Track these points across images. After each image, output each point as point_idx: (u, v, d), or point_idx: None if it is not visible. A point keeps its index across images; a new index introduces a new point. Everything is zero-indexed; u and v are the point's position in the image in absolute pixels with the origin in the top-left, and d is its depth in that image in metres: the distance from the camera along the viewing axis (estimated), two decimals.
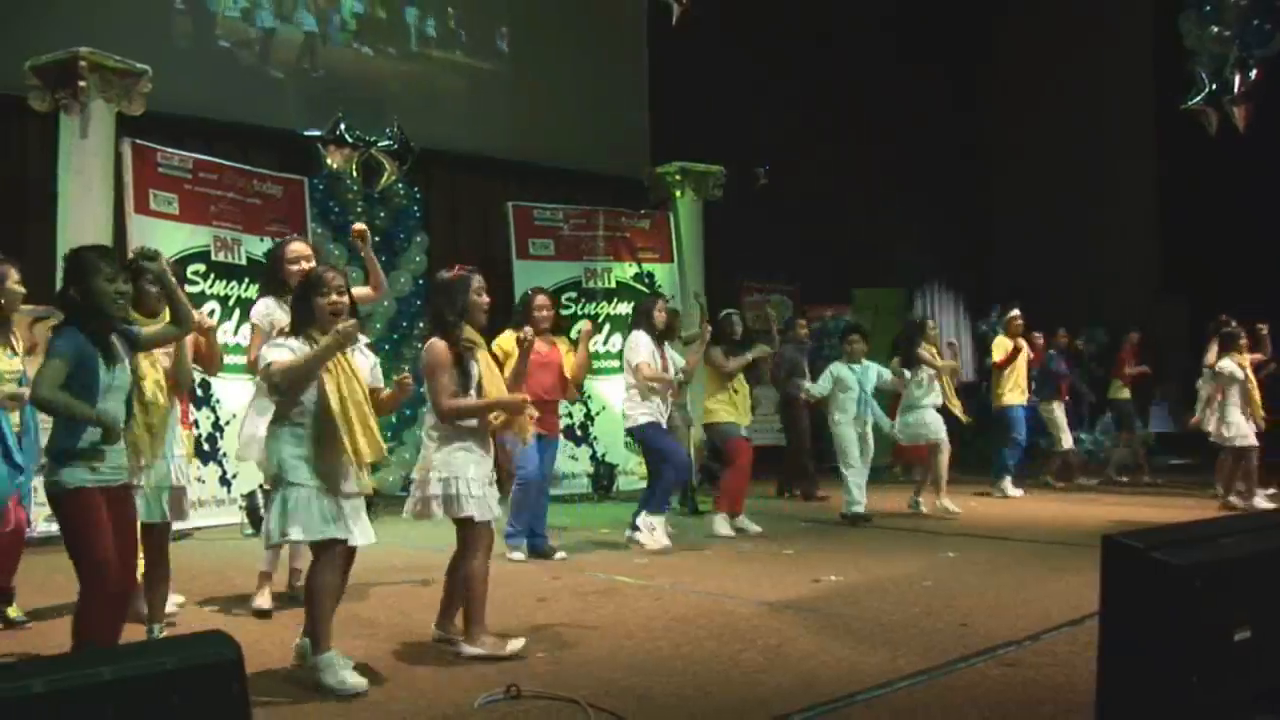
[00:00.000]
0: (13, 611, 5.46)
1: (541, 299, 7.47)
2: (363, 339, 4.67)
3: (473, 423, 4.92)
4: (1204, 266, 14.01)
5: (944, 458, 9.68)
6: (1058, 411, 11.66)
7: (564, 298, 11.58)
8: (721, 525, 8.55)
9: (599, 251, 11.97)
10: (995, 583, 6.54)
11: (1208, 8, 9.84)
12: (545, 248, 11.70)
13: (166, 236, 8.75)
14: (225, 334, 9.12)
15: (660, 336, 8.18)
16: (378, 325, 10.37)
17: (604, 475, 11.35)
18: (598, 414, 11.49)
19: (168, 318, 4.55)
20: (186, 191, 9.03)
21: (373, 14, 12.09)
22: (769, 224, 14.35)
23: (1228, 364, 9.72)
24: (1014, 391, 10.93)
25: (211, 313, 9.03)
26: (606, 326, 11.72)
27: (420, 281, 11.19)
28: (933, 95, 15.56)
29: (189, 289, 8.89)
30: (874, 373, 9.26)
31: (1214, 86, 10.60)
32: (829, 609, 5.82)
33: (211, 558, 7.50)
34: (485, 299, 5.12)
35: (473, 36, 12.86)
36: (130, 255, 4.39)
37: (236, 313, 9.21)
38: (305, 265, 5.75)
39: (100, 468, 3.98)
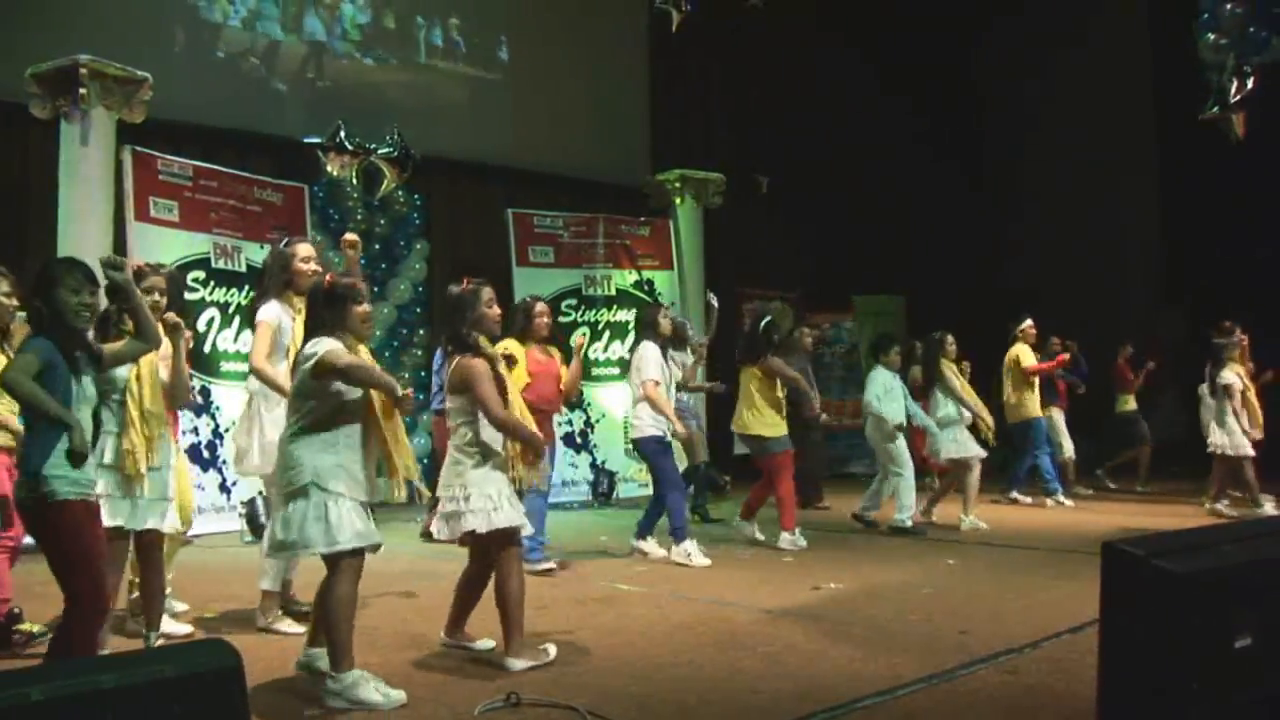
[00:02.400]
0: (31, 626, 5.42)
1: (541, 307, 7.45)
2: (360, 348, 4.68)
3: (500, 440, 4.91)
4: (1204, 275, 14.02)
5: (976, 474, 9.57)
6: (1058, 418, 11.66)
7: (564, 305, 11.58)
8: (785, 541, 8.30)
9: (599, 259, 11.97)
10: (995, 590, 6.54)
11: (1205, 15, 9.87)
12: (545, 255, 11.70)
13: (167, 243, 8.76)
14: (226, 341, 9.12)
15: (666, 345, 8.16)
16: (377, 332, 10.37)
17: (604, 483, 11.33)
18: (597, 421, 11.48)
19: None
20: (187, 198, 9.04)
21: (373, 22, 12.10)
22: (769, 231, 14.36)
23: (1228, 374, 9.74)
24: (1036, 401, 10.84)
25: (211, 320, 9.05)
26: (606, 334, 11.71)
27: (420, 289, 11.21)
28: (932, 103, 15.58)
29: (189, 296, 8.90)
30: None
31: (1217, 94, 10.61)
32: (829, 616, 5.82)
33: (211, 565, 7.50)
34: (495, 310, 5.19)
35: (473, 44, 12.87)
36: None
37: (236, 320, 9.20)
38: (316, 266, 5.83)
39: (83, 480, 3.93)
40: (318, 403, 4.37)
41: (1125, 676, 3.00)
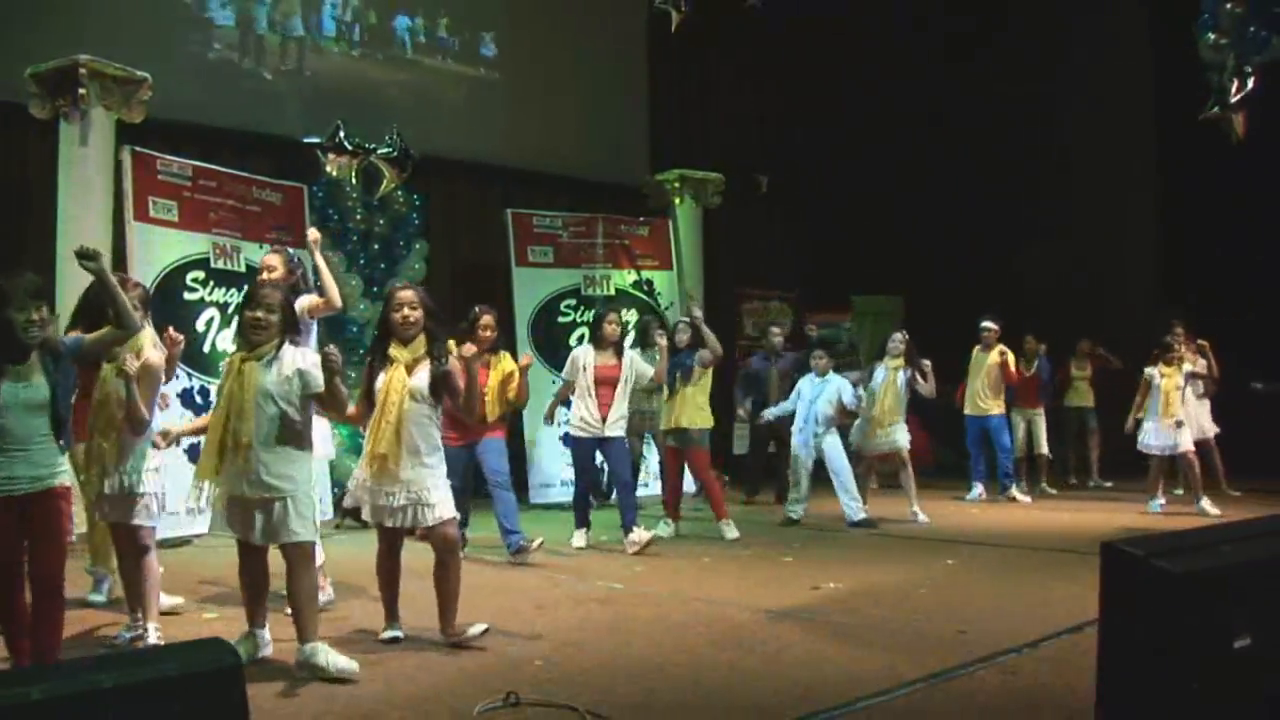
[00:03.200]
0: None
1: (487, 319, 7.58)
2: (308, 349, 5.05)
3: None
4: (1201, 277, 14.01)
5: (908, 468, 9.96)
6: (1037, 419, 11.73)
7: (563, 305, 11.59)
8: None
9: (598, 259, 11.96)
10: (994, 590, 6.55)
11: (1205, 15, 9.86)
12: (544, 255, 11.70)
13: (166, 243, 8.75)
14: (225, 341, 9.11)
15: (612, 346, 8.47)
16: (374, 333, 10.36)
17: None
18: None
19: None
20: (186, 198, 9.02)
21: (373, 22, 12.10)
22: (768, 231, 14.36)
23: (1149, 370, 10.07)
24: (1000, 400, 11.04)
25: (210, 320, 9.05)
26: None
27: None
28: (929, 101, 15.56)
29: (188, 296, 8.90)
30: (834, 385, 9.48)
31: (1216, 95, 10.59)
32: (828, 616, 5.83)
33: (210, 564, 7.49)
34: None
35: (472, 44, 12.87)
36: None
37: (235, 320, 9.18)
38: (273, 275, 5.99)
39: None
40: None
41: (1124, 676, 3.00)
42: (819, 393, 9.43)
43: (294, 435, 4.76)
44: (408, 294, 5.26)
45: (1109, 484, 12.26)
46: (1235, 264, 13.45)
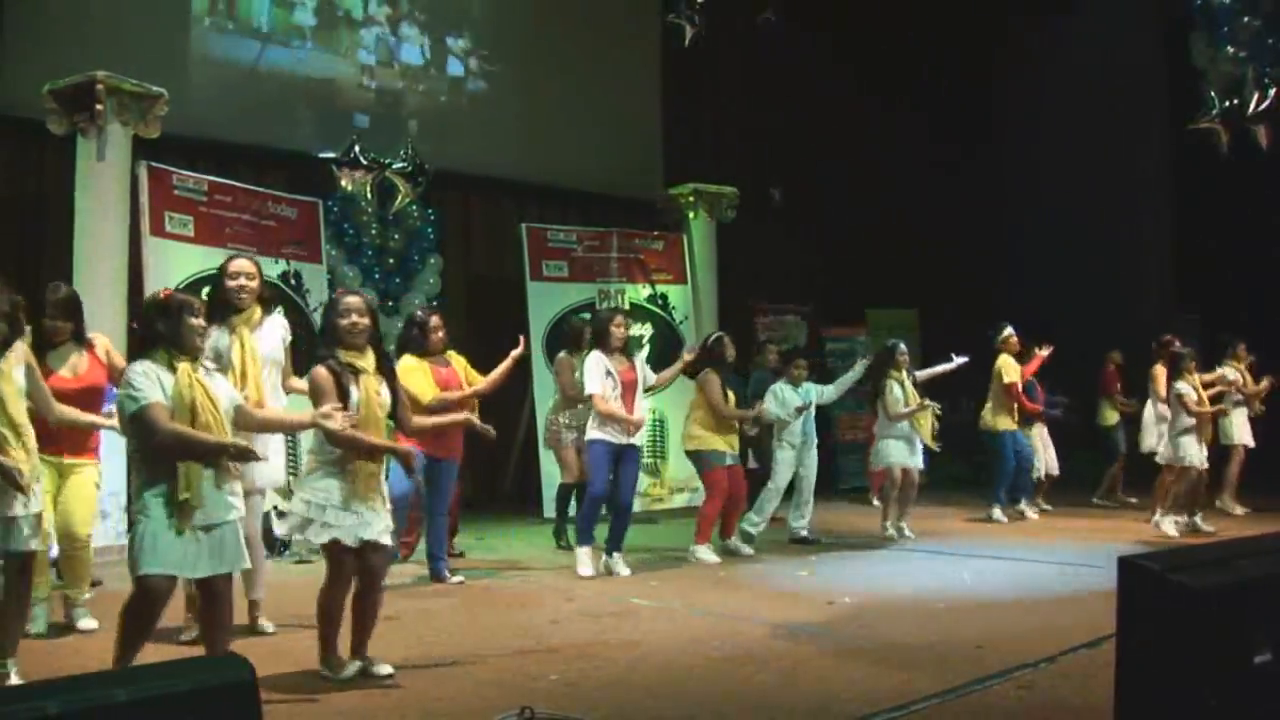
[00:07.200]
0: None
1: (436, 319, 7.40)
2: (211, 365, 4.70)
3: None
4: (1218, 282, 13.98)
5: (901, 484, 9.64)
6: (1037, 434, 11.28)
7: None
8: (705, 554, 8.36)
9: (613, 273, 11.96)
10: (1011, 604, 6.51)
11: (1225, 28, 9.86)
12: (559, 269, 11.70)
13: (182, 258, 8.78)
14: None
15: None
16: (390, 347, 10.37)
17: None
18: None
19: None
20: (202, 213, 9.06)
21: (388, 38, 12.15)
22: (783, 245, 14.35)
23: (1183, 386, 9.46)
24: (1006, 415, 10.62)
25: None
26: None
27: (434, 303, 11.21)
28: (946, 115, 15.56)
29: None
30: (814, 392, 9.37)
31: (1229, 104, 10.59)
32: (844, 631, 5.80)
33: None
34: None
35: (486, 59, 12.91)
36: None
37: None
38: (246, 280, 5.68)
39: None
40: None
41: (1142, 692, 2.98)
42: (807, 402, 9.22)
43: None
44: (356, 300, 4.99)
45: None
46: (1249, 270, 13.41)
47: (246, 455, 4.36)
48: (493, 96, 12.89)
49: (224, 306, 5.61)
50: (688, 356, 8.58)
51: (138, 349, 4.44)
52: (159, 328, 4.34)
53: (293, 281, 9.65)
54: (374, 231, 10.86)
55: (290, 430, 5.27)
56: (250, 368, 5.56)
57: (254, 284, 5.71)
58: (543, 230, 11.80)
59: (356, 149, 10.72)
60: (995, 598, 6.75)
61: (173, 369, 4.28)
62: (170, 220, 8.82)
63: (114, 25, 10.12)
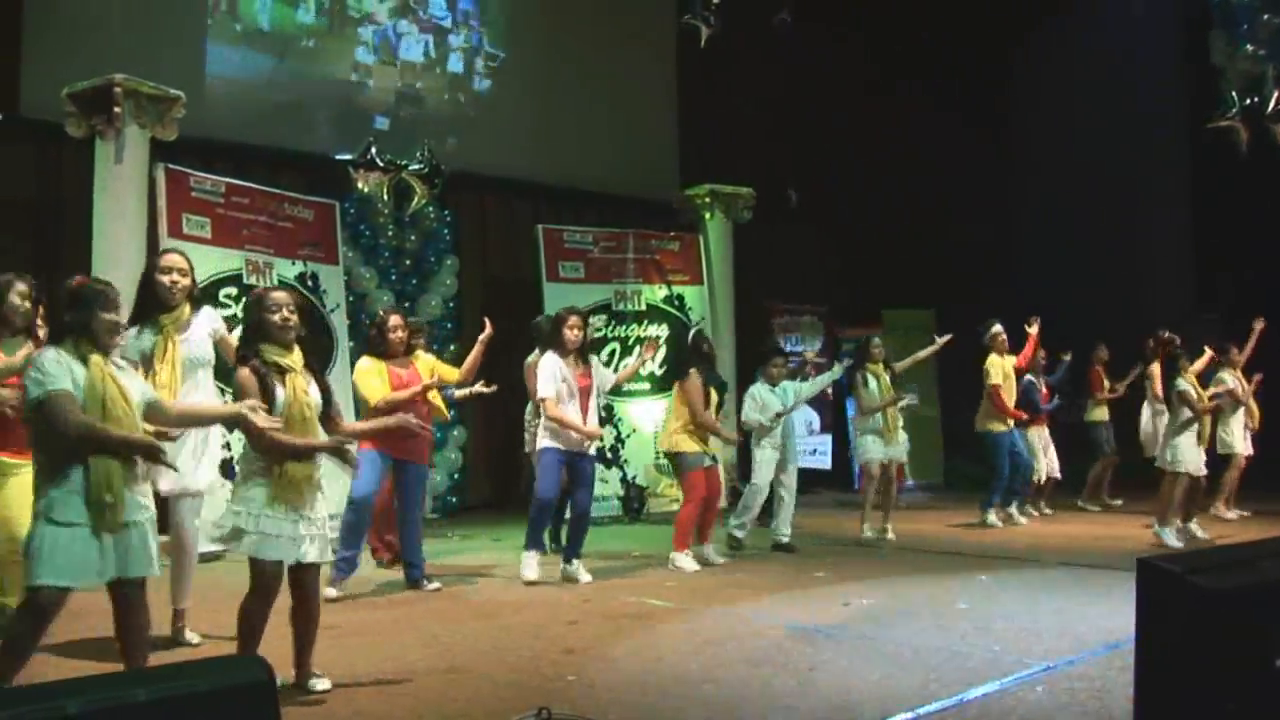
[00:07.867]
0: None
1: (396, 319, 7.18)
2: (121, 360, 4.40)
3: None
4: (1238, 279, 13.91)
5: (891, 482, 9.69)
6: (1034, 435, 11.08)
7: (594, 320, 11.58)
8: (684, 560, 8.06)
9: (629, 274, 11.96)
10: (1029, 606, 6.48)
11: (1244, 26, 9.82)
12: (575, 270, 11.70)
13: (200, 260, 8.75)
14: None
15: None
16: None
17: (634, 498, 11.33)
18: (628, 437, 11.47)
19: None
20: (219, 215, 9.11)
21: (404, 39, 12.18)
22: (799, 245, 14.33)
23: (1183, 384, 9.23)
24: (999, 417, 10.40)
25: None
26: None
27: (450, 304, 11.25)
28: (963, 114, 15.51)
29: (222, 313, 8.94)
30: (792, 392, 9.13)
31: (1248, 102, 10.53)
32: (861, 632, 5.79)
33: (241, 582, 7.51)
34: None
35: (502, 60, 12.94)
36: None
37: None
38: (178, 277, 5.46)
39: None
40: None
41: (1162, 694, 2.97)
42: (789, 401, 8.99)
43: None
44: (285, 295, 4.75)
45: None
46: (1270, 267, 13.34)
47: (155, 454, 4.07)
48: (509, 98, 12.92)
49: (153, 302, 5.41)
50: (647, 355, 8.81)
51: (49, 340, 4.21)
52: (69, 317, 4.11)
53: (309, 283, 9.69)
54: (390, 233, 10.90)
55: (209, 423, 5.04)
56: (170, 376, 5.31)
57: (186, 281, 5.49)
58: (559, 231, 11.81)
59: (373, 150, 10.75)
60: (1013, 599, 6.72)
61: (84, 361, 4.04)
62: (188, 222, 8.87)
63: (131, 28, 10.19)
